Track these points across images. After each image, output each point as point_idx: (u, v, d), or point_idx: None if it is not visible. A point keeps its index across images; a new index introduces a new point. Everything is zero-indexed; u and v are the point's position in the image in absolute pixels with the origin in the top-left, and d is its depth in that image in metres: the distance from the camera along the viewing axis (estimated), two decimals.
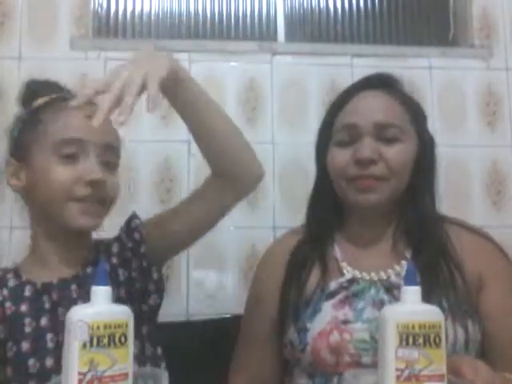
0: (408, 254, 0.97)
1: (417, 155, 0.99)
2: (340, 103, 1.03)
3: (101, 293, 0.63)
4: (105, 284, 0.63)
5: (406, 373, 0.62)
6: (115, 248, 1.01)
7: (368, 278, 0.97)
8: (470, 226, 1.04)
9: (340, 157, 0.99)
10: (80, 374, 0.59)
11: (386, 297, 0.94)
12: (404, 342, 0.63)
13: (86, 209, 0.91)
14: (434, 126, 1.83)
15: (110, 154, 0.95)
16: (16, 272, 0.96)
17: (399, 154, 0.96)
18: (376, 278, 0.97)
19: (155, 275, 1.00)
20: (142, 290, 0.98)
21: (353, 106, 1.01)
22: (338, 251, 1.02)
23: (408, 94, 1.06)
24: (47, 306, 0.91)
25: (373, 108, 0.98)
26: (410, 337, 0.63)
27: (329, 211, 1.04)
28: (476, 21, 1.81)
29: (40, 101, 0.97)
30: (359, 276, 0.97)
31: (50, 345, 0.88)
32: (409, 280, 0.67)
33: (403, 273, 0.87)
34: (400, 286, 0.91)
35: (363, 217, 1.02)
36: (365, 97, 1.01)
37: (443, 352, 0.64)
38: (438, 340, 0.63)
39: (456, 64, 1.77)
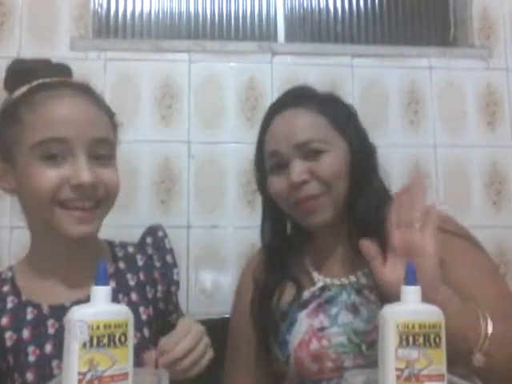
0: None
1: (350, 157, 0.98)
2: (262, 130, 1.04)
3: (101, 293, 0.63)
4: (105, 284, 0.63)
5: (406, 373, 0.62)
6: (140, 261, 0.94)
7: (339, 283, 0.98)
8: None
9: (277, 184, 0.99)
10: (80, 374, 0.58)
11: (357, 298, 0.94)
12: (404, 342, 0.63)
13: (80, 216, 0.81)
14: (434, 125, 1.84)
15: (102, 147, 0.84)
16: (13, 285, 0.87)
17: (328, 165, 0.96)
18: (346, 282, 0.97)
19: (174, 298, 0.97)
20: (164, 310, 0.95)
21: (272, 132, 1.01)
22: (308, 262, 1.03)
23: (326, 97, 1.03)
24: (51, 331, 0.83)
25: (289, 131, 0.98)
26: (410, 337, 0.63)
27: (281, 235, 1.06)
28: (476, 21, 1.81)
29: (18, 91, 0.84)
30: (330, 283, 0.98)
31: (56, 372, 0.79)
32: (409, 280, 0.66)
33: (372, 273, 0.85)
34: (369, 286, 0.93)
35: (319, 228, 1.01)
36: (281, 120, 1.01)
37: (443, 352, 0.64)
38: (438, 340, 0.63)
39: (456, 64, 1.77)
